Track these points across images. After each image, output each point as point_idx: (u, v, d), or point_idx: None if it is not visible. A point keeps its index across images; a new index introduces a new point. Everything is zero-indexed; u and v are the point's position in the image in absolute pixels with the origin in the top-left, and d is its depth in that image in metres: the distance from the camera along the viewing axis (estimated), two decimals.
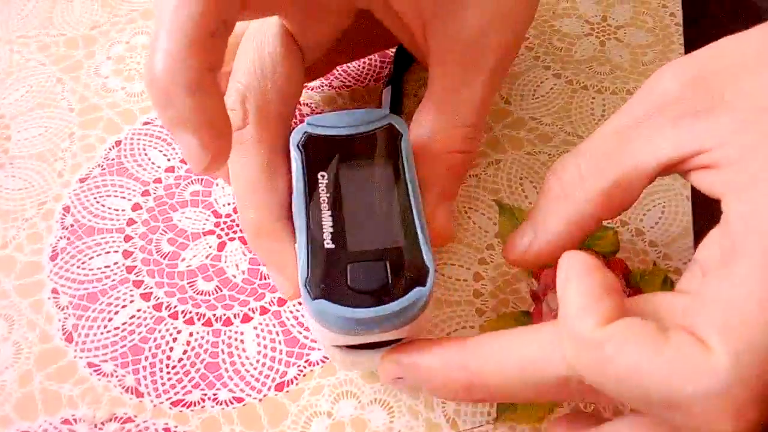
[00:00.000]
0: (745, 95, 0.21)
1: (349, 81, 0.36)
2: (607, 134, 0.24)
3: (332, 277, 0.23)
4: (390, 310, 0.22)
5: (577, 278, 0.20)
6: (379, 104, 0.35)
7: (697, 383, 0.18)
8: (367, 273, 0.23)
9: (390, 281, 0.23)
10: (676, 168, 0.23)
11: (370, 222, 0.24)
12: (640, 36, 0.38)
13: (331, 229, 0.24)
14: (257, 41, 0.29)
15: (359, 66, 0.37)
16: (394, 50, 0.37)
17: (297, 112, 0.34)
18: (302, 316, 0.29)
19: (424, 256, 0.24)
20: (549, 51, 0.38)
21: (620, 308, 0.20)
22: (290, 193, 0.26)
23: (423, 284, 0.23)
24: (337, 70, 0.37)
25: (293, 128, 0.27)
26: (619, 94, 0.36)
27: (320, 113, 0.28)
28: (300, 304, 0.29)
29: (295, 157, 0.26)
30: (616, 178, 0.23)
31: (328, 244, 0.24)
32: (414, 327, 0.24)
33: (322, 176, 0.25)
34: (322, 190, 0.25)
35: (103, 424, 0.27)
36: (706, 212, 0.32)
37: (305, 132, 0.27)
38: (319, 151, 0.26)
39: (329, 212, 0.25)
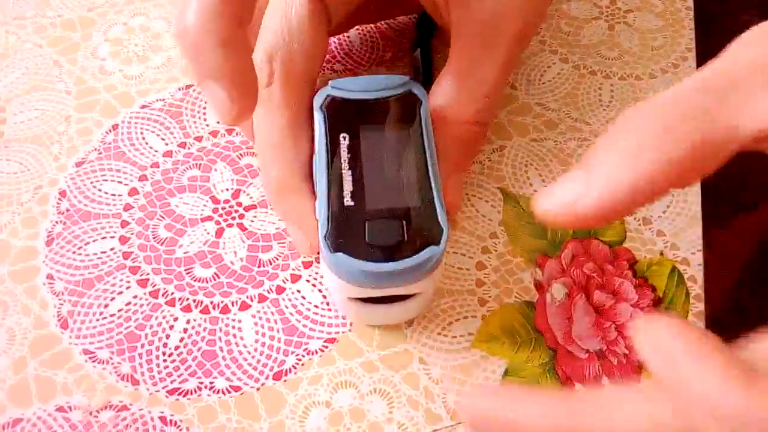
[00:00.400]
0: None
1: (351, 64, 0.36)
2: (700, 88, 0.20)
3: (351, 233, 0.24)
4: (404, 266, 0.24)
5: (692, 353, 0.17)
6: (412, 68, 0.35)
7: None
8: (384, 230, 0.25)
9: (405, 239, 0.24)
10: None
11: (389, 183, 0.26)
12: (649, 20, 0.38)
13: (351, 188, 0.25)
14: (284, 1, 0.29)
15: (361, 49, 0.36)
16: (394, 31, 0.36)
17: None
18: (301, 303, 0.29)
19: (439, 217, 0.25)
20: (556, 35, 0.37)
21: (755, 368, 0.17)
22: (312, 153, 0.28)
23: (437, 243, 0.24)
24: (339, 53, 0.36)
25: (316, 90, 0.28)
26: (628, 79, 0.35)
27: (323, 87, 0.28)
28: (299, 292, 0.29)
29: (318, 118, 0.27)
30: (710, 136, 0.19)
31: (348, 202, 0.25)
32: (426, 284, 0.25)
33: (344, 138, 0.27)
34: (344, 150, 0.26)
35: (98, 411, 0.26)
36: (714, 202, 0.31)
37: (328, 95, 0.28)
38: (342, 114, 0.27)
39: (349, 172, 0.26)
